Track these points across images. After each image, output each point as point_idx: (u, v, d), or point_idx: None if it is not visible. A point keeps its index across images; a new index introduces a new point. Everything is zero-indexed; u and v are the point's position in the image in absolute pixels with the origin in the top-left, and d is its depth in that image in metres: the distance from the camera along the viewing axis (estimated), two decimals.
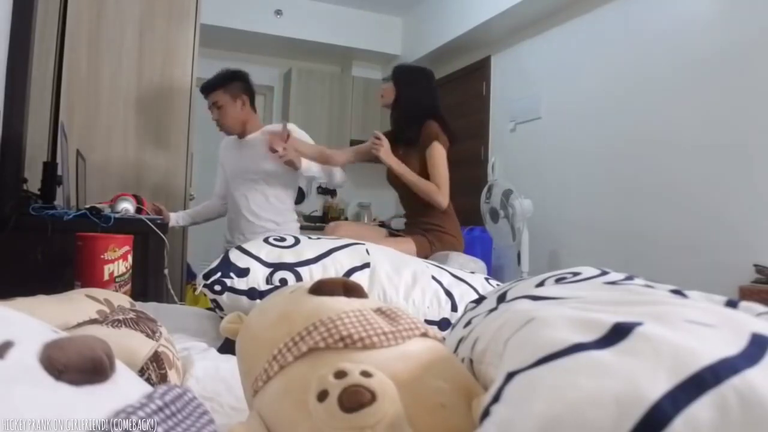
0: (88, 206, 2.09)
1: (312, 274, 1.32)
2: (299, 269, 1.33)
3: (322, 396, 0.47)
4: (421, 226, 2.50)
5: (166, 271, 2.20)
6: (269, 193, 2.68)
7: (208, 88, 2.66)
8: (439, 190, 2.41)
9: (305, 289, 0.68)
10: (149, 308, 1.39)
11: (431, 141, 2.41)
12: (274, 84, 5.63)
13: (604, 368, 0.40)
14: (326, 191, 5.75)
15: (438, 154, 2.41)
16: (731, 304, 0.56)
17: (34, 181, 2.26)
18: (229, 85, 2.64)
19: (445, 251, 2.39)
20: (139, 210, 2.27)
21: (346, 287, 0.67)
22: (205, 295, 1.33)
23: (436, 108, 2.54)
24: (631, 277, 0.69)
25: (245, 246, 1.40)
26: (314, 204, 5.64)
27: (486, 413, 0.43)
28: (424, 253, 2.33)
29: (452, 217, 2.55)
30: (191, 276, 3.07)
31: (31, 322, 0.49)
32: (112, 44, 2.74)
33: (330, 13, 5.21)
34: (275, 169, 2.61)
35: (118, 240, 1.73)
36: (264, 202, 2.67)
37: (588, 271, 0.73)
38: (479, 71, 4.70)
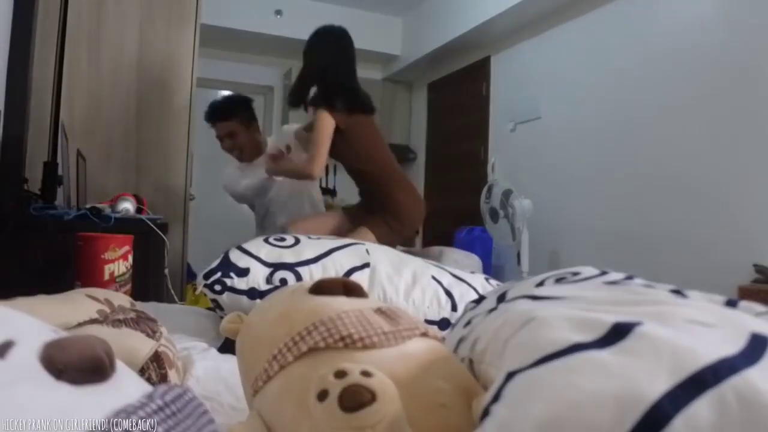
0: (88, 206, 2.09)
1: (312, 274, 1.32)
2: (299, 269, 1.33)
3: (322, 396, 0.47)
4: (375, 202, 2.41)
5: (166, 271, 2.20)
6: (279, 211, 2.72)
7: (221, 117, 2.69)
8: (311, 160, 2.31)
9: (305, 288, 0.68)
10: (149, 308, 1.39)
11: (315, 108, 2.36)
12: (274, 84, 5.62)
13: (603, 368, 0.40)
14: (326, 191, 5.74)
15: (319, 123, 2.32)
16: (731, 303, 0.56)
17: (34, 181, 2.25)
18: (241, 112, 2.69)
19: (411, 229, 2.34)
20: (139, 210, 2.27)
21: (346, 287, 0.67)
22: (205, 295, 1.33)
23: (333, 68, 2.44)
24: (631, 277, 0.69)
25: (245, 246, 1.40)
26: None
27: (486, 413, 0.43)
28: (385, 239, 2.22)
29: (401, 184, 2.42)
30: (191, 276, 3.06)
31: (31, 321, 0.49)
32: (112, 44, 2.73)
33: (330, 13, 5.19)
34: (279, 190, 2.66)
35: (119, 240, 1.73)
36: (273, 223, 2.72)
37: (588, 271, 0.73)
38: (479, 71, 4.70)
